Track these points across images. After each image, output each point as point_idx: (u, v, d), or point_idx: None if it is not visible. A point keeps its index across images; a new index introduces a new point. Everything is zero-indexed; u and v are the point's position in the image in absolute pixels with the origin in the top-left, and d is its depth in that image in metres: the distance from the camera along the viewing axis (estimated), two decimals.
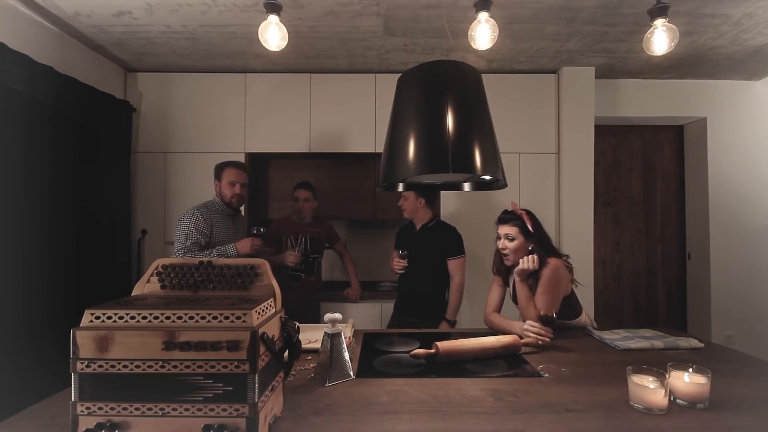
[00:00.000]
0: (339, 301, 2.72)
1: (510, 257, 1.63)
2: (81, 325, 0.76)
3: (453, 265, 2.16)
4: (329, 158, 3.07)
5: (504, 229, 1.63)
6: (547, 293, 1.54)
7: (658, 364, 1.09)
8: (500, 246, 1.65)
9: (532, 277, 1.58)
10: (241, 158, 2.83)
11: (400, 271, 2.17)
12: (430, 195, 2.24)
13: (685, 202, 3.30)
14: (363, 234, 3.36)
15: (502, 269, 1.74)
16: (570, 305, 1.64)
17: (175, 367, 0.74)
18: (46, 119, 2.08)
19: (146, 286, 0.93)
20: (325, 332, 1.17)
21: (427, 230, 2.22)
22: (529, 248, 1.57)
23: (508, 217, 1.64)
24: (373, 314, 2.75)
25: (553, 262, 1.57)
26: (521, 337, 1.42)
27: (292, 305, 2.30)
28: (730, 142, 3.06)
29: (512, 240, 1.61)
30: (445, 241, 2.18)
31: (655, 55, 1.68)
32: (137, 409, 0.74)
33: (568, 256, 1.66)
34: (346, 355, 1.17)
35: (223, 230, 2.09)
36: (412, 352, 1.31)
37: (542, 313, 1.49)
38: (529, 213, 1.63)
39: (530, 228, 1.59)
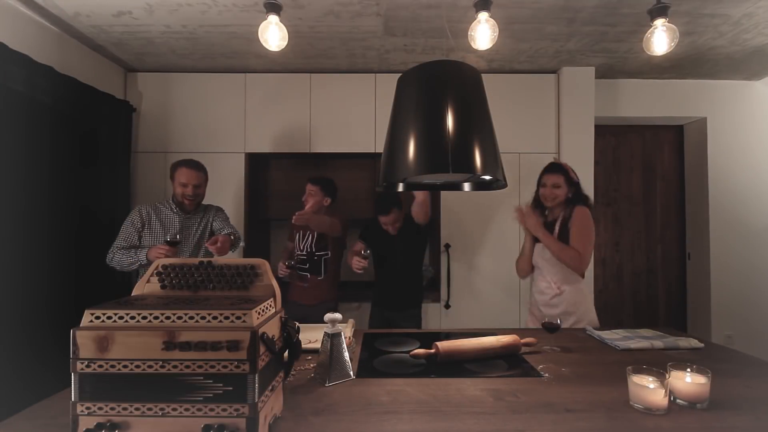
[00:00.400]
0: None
1: (554, 201, 1.83)
2: (81, 325, 0.76)
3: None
4: (329, 158, 3.07)
5: (552, 179, 1.83)
6: (584, 235, 1.73)
7: (658, 364, 1.09)
8: (547, 193, 1.84)
9: (556, 215, 1.83)
10: (241, 158, 2.83)
11: (359, 271, 2.08)
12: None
13: (685, 202, 3.30)
14: None
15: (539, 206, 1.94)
16: None
17: (175, 367, 0.74)
18: (46, 119, 2.08)
19: (146, 286, 0.93)
20: (325, 332, 1.17)
21: (404, 230, 2.25)
22: (569, 195, 1.82)
23: (555, 167, 1.85)
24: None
25: (581, 208, 1.77)
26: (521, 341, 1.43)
27: (306, 308, 2.28)
28: (730, 142, 3.06)
29: (558, 187, 1.81)
30: (417, 228, 2.25)
31: (655, 55, 1.69)
32: (137, 409, 0.74)
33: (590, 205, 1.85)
34: (346, 355, 1.17)
35: (165, 225, 2.01)
36: (412, 352, 1.31)
37: (577, 246, 1.71)
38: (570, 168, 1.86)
39: (574, 178, 1.81)
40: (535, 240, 1.89)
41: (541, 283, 1.89)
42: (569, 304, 1.79)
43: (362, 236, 2.35)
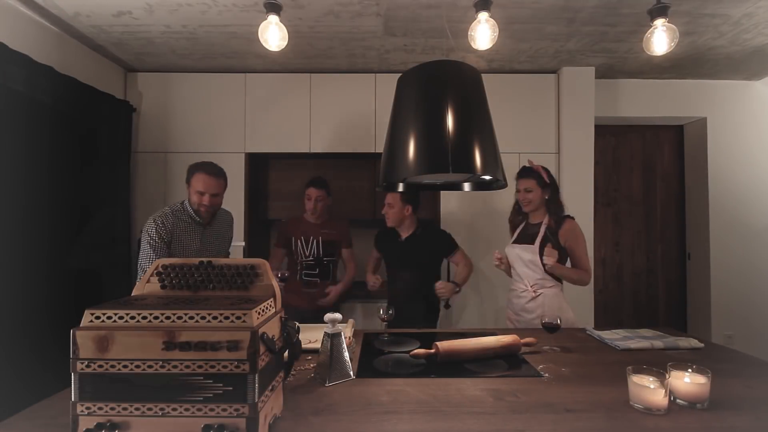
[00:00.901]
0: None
1: (530, 206, 1.87)
2: (81, 325, 0.76)
3: (457, 258, 2.15)
4: (329, 158, 3.07)
5: (523, 183, 1.86)
6: (584, 252, 1.78)
7: (658, 364, 1.09)
8: (520, 198, 1.88)
9: (550, 241, 1.78)
10: (241, 158, 2.83)
11: (373, 288, 2.14)
12: (417, 203, 2.13)
13: (685, 202, 3.30)
14: (363, 234, 3.35)
15: (516, 220, 1.99)
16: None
17: (175, 367, 0.74)
18: (46, 119, 2.08)
19: (146, 286, 0.93)
20: (325, 332, 1.17)
21: (415, 239, 2.11)
22: (546, 197, 1.84)
23: (526, 171, 1.87)
24: (374, 314, 2.75)
25: (570, 222, 1.80)
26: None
27: (310, 312, 2.22)
28: (730, 142, 3.06)
29: (530, 191, 1.84)
30: (438, 245, 2.15)
31: (655, 55, 1.69)
32: (137, 409, 0.74)
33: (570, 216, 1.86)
34: (346, 355, 1.17)
35: (186, 240, 1.79)
36: (412, 352, 1.31)
37: (583, 266, 1.76)
38: (544, 168, 1.86)
39: (546, 179, 1.82)
40: (514, 242, 1.93)
41: (518, 286, 1.88)
42: (546, 309, 1.76)
43: (377, 244, 2.29)
